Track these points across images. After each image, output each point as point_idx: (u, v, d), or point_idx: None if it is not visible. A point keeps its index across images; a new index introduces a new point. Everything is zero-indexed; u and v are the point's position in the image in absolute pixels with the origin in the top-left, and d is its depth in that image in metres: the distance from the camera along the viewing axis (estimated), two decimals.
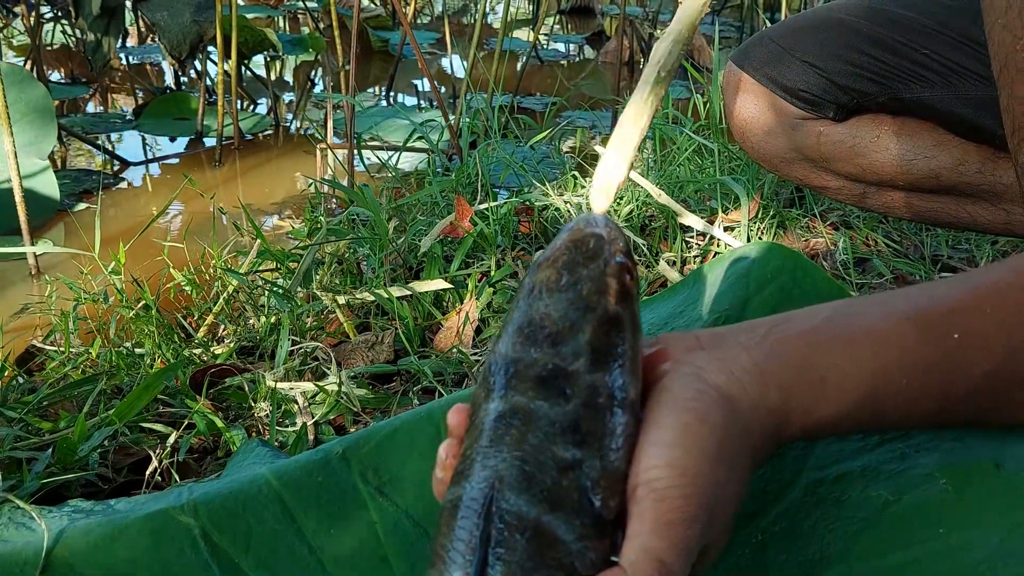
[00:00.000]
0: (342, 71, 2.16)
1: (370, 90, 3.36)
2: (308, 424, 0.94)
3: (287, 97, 3.32)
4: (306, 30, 4.20)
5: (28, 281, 1.64)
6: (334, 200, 2.01)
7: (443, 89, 3.39)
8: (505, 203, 1.47)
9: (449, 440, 0.44)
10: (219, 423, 0.93)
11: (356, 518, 0.57)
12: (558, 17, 5.26)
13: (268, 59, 3.34)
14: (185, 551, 0.56)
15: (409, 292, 1.18)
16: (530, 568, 0.37)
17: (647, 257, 1.37)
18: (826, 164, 1.04)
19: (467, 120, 2.03)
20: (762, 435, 0.43)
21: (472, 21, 5.02)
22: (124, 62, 3.75)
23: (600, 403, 0.41)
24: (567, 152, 2.19)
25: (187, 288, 1.31)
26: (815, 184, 1.08)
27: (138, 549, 0.57)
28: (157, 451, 0.89)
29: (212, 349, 1.15)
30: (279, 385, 1.00)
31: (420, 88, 3.51)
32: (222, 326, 1.25)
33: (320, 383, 0.99)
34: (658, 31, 3.97)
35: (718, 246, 1.41)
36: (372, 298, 1.19)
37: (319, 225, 1.41)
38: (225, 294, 1.26)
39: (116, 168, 2.38)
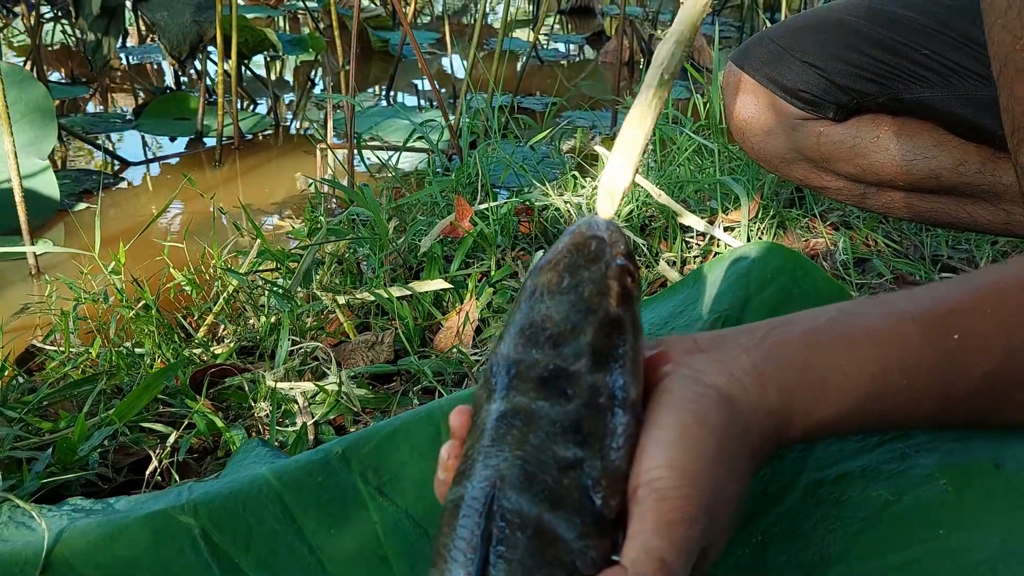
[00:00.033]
0: (342, 71, 2.16)
1: (370, 90, 3.36)
2: (308, 424, 0.94)
3: (287, 97, 3.32)
4: (306, 30, 4.20)
5: (28, 281, 1.64)
6: (334, 200, 2.01)
7: (443, 89, 3.39)
8: (505, 203, 1.47)
9: (451, 442, 0.44)
10: (219, 423, 0.93)
11: (356, 518, 0.57)
12: (558, 17, 5.26)
13: (268, 59, 3.34)
14: (185, 551, 0.56)
15: (409, 292, 1.18)
16: (531, 566, 0.37)
17: (647, 257, 1.37)
18: (826, 164, 1.04)
19: (467, 120, 2.03)
20: (761, 436, 0.43)
21: (472, 21, 5.02)
22: (124, 62, 3.75)
23: (601, 403, 0.41)
24: (567, 152, 2.19)
25: (187, 288, 1.31)
26: (815, 184, 1.08)
27: (138, 548, 0.57)
28: (157, 451, 0.89)
29: (212, 349, 1.15)
30: (279, 385, 1.00)
31: (420, 88, 3.51)
32: (222, 326, 1.25)
33: (320, 383, 0.99)
34: (658, 31, 3.97)
35: (718, 246, 1.41)
36: (372, 298, 1.19)
37: (319, 225, 1.41)
38: (225, 294, 1.26)
39: (116, 168, 2.38)
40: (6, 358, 1.08)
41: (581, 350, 0.42)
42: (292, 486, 0.59)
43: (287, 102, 3.23)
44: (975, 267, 1.38)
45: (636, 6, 4.54)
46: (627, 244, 0.45)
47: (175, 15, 2.54)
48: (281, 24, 4.36)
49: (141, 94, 3.26)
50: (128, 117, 2.84)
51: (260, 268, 1.36)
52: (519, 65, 3.64)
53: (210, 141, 2.54)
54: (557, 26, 5.13)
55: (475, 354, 1.10)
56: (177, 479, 0.86)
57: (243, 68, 3.05)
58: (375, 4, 4.27)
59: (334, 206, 1.98)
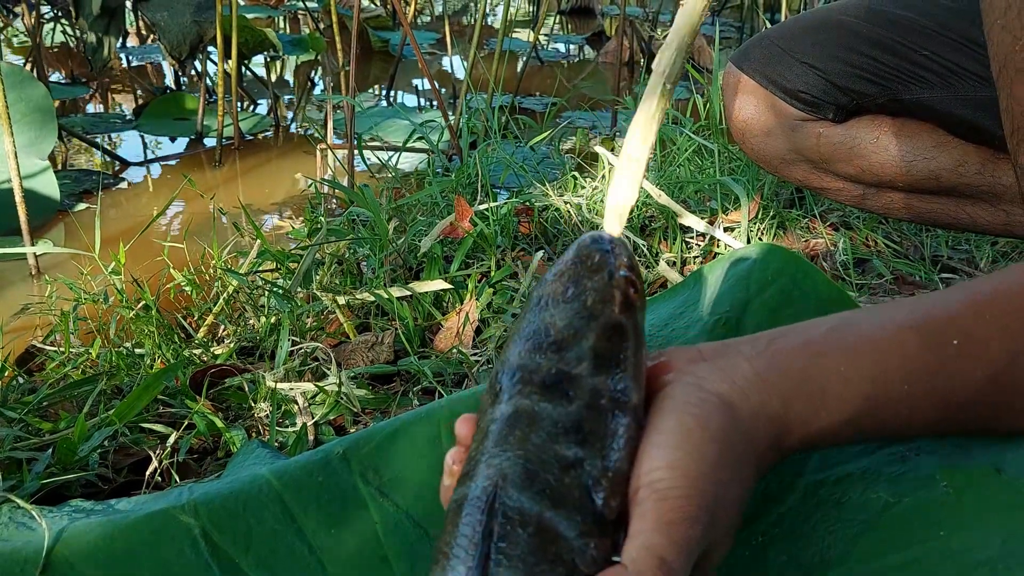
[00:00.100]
0: (342, 71, 2.16)
1: (370, 90, 3.36)
2: (308, 424, 0.94)
3: (287, 97, 3.32)
4: (306, 30, 4.20)
5: (28, 281, 1.64)
6: (334, 200, 2.01)
7: (443, 89, 3.39)
8: (505, 203, 1.47)
9: (456, 448, 0.45)
10: (219, 423, 0.93)
11: (356, 518, 0.57)
12: (558, 17, 5.26)
13: (268, 59, 3.34)
14: (185, 551, 0.56)
15: (409, 292, 1.18)
16: (532, 562, 0.38)
17: (647, 258, 1.37)
18: (826, 165, 1.04)
19: (467, 120, 2.03)
20: (764, 443, 0.43)
21: (472, 21, 5.02)
22: (124, 62, 3.75)
23: (602, 405, 0.42)
24: (567, 152, 2.19)
25: (187, 288, 1.31)
26: (815, 185, 1.08)
27: (138, 548, 0.57)
28: (157, 451, 0.89)
29: (212, 349, 1.15)
30: (279, 385, 1.00)
31: (420, 88, 3.51)
32: (222, 326, 1.25)
33: (320, 383, 0.99)
34: (658, 31, 3.97)
35: (718, 246, 1.41)
36: (372, 298, 1.19)
37: (319, 225, 1.41)
38: (225, 294, 1.26)
39: (116, 168, 2.38)
40: (6, 358, 1.08)
41: (583, 354, 0.43)
42: (292, 486, 0.59)
43: (287, 102, 3.23)
44: (975, 267, 1.38)
45: (636, 6, 4.54)
46: (631, 258, 0.46)
47: (175, 15, 2.54)
48: (281, 24, 4.36)
49: (141, 94, 3.26)
50: (128, 117, 2.84)
51: (260, 268, 1.36)
52: (519, 65, 3.65)
53: (210, 141, 2.54)
54: (557, 26, 5.13)
55: (475, 354, 1.10)
56: (177, 480, 0.86)
57: (243, 68, 3.05)
58: (375, 4, 4.27)
59: (334, 206, 1.99)
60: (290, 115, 3.04)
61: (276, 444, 0.92)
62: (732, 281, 0.63)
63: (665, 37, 0.48)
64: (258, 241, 1.33)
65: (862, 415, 0.45)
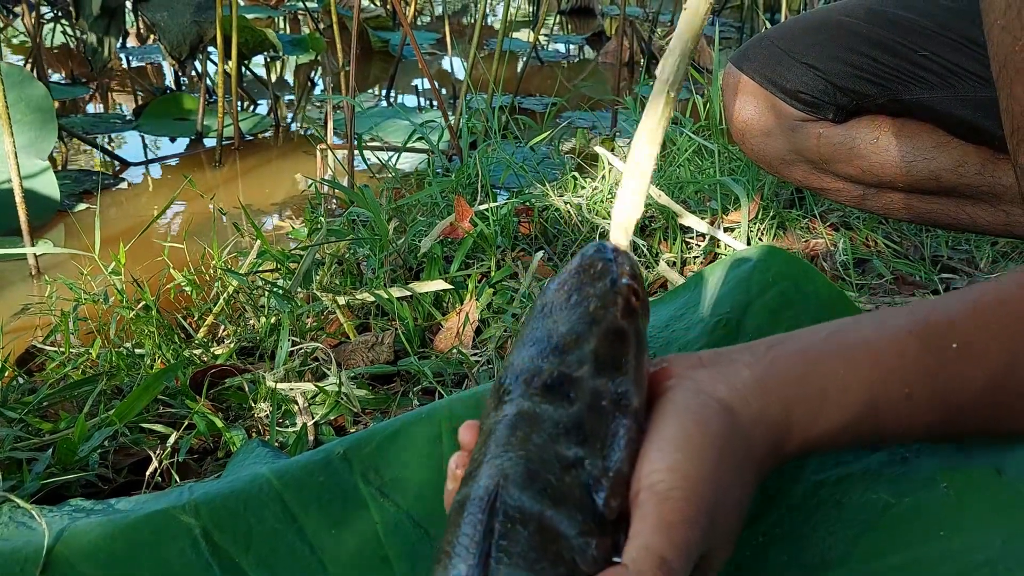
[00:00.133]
0: (342, 71, 2.17)
1: (370, 90, 3.36)
2: (308, 424, 0.94)
3: (287, 97, 3.32)
4: (306, 30, 4.20)
5: (28, 281, 1.63)
6: (334, 201, 2.01)
7: (443, 90, 3.39)
8: (505, 204, 1.47)
9: (459, 452, 0.45)
10: (219, 423, 0.93)
11: (357, 518, 0.57)
12: (558, 18, 5.26)
13: (268, 59, 3.34)
14: (186, 550, 0.56)
15: (409, 293, 1.18)
16: (532, 560, 0.38)
17: (647, 258, 1.37)
18: (825, 166, 1.04)
19: (467, 120, 2.03)
20: (764, 448, 0.44)
21: (472, 21, 5.02)
22: (124, 62, 3.75)
23: (603, 407, 0.42)
24: (567, 153, 2.19)
25: (187, 288, 1.31)
26: (815, 185, 1.08)
27: (139, 548, 0.57)
28: (157, 451, 0.89)
29: (212, 349, 1.15)
30: (279, 386, 1.00)
31: (420, 88, 3.51)
32: (222, 326, 1.25)
33: (320, 384, 0.99)
34: (658, 32, 3.97)
35: (718, 247, 1.41)
36: (372, 299, 1.19)
37: (319, 226, 1.41)
38: (225, 295, 1.26)
39: (116, 168, 2.38)
40: (6, 358, 1.08)
41: (585, 357, 0.43)
42: (293, 486, 0.59)
43: (287, 102, 3.23)
44: (975, 267, 1.38)
45: (636, 6, 4.54)
46: (635, 267, 0.47)
47: (175, 15, 2.54)
48: (281, 24, 4.36)
49: (141, 94, 3.26)
50: (128, 117, 2.84)
51: (260, 269, 1.36)
52: (519, 66, 3.65)
53: (210, 141, 2.54)
54: (557, 27, 5.13)
55: (475, 355, 1.10)
56: (177, 480, 0.86)
57: (243, 68, 3.05)
58: (375, 4, 4.27)
59: (334, 207, 1.99)
60: (290, 115, 3.04)
61: (276, 444, 0.92)
62: (733, 283, 0.63)
63: (666, 40, 0.48)
64: (258, 241, 1.33)
65: (862, 420, 0.45)
